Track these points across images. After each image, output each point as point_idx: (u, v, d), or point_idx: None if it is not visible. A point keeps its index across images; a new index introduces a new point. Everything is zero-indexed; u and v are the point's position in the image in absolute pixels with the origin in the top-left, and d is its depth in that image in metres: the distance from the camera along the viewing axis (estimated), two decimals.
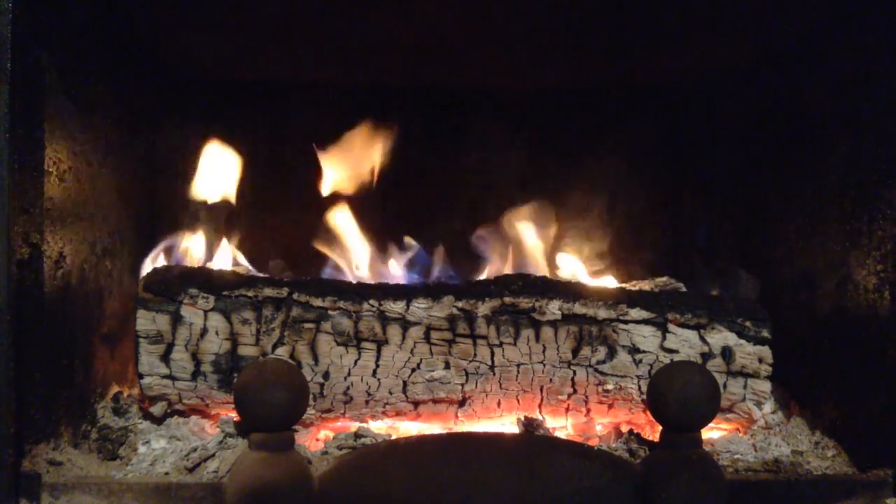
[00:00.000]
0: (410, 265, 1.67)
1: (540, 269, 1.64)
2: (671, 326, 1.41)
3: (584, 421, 1.44)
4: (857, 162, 1.39)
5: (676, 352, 1.41)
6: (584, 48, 1.66)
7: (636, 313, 1.41)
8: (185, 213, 1.71)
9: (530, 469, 1.16)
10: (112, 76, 1.48)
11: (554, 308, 1.39)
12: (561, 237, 1.76)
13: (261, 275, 1.50)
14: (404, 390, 1.38)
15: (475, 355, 1.39)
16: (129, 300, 1.47)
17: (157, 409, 1.38)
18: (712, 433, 1.44)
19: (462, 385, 1.39)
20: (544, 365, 1.39)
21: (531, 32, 1.57)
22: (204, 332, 1.35)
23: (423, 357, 1.38)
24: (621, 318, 1.40)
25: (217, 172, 1.68)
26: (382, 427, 1.43)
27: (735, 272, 1.65)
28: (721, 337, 1.42)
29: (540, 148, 1.98)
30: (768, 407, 1.46)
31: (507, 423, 1.44)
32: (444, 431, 1.41)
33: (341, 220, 1.68)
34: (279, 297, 1.37)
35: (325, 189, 1.73)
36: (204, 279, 1.39)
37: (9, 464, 1.14)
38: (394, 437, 1.35)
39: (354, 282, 1.49)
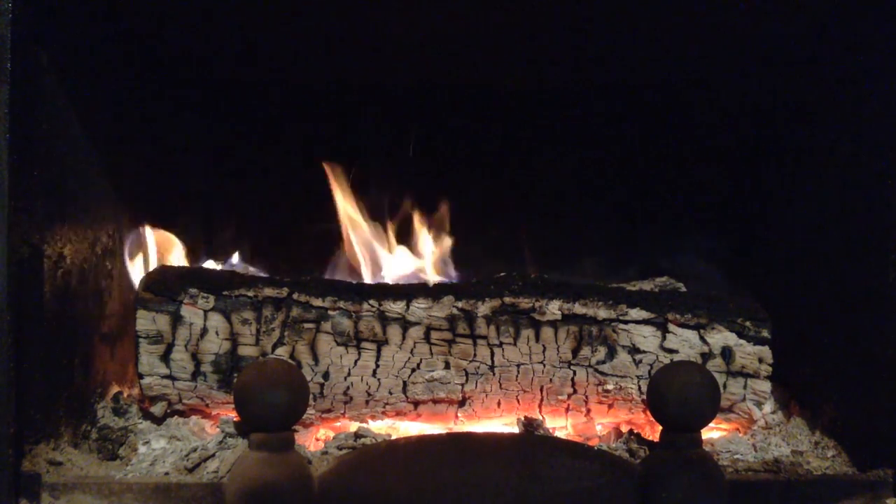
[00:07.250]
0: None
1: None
2: (671, 326, 1.41)
3: (584, 421, 1.44)
4: (857, 162, 1.39)
5: (676, 352, 1.41)
6: (581, 47, 1.66)
7: (636, 313, 1.41)
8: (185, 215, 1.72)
9: (530, 469, 1.16)
10: (112, 76, 1.48)
11: (554, 308, 1.39)
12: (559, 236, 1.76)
13: (261, 275, 1.50)
14: (404, 390, 1.38)
15: (475, 355, 1.38)
16: (129, 300, 1.47)
17: (157, 409, 1.38)
18: (712, 433, 1.44)
19: (462, 385, 1.39)
20: (544, 365, 1.39)
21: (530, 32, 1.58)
22: (204, 332, 1.35)
23: (423, 357, 1.38)
24: (621, 318, 1.40)
25: None
26: (382, 427, 1.43)
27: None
28: (721, 337, 1.42)
29: (539, 148, 1.99)
30: (768, 407, 1.46)
31: (507, 424, 1.44)
32: (444, 431, 1.41)
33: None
34: (279, 297, 1.37)
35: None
36: (204, 279, 1.39)
37: (9, 464, 1.14)
38: (394, 437, 1.35)
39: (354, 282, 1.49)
